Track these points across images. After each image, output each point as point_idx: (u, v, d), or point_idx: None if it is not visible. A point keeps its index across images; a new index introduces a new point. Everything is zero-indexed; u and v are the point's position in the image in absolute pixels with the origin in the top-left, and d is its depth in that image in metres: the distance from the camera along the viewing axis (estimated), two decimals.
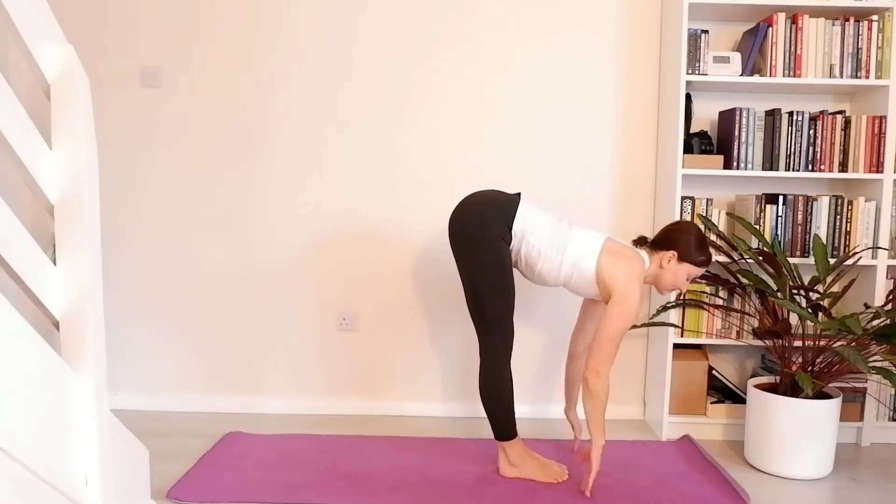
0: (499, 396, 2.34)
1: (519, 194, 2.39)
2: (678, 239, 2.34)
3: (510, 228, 2.31)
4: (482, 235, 2.29)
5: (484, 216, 2.31)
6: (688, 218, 2.87)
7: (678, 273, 2.36)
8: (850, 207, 2.84)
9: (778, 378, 2.73)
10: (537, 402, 3.18)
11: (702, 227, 2.86)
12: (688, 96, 2.93)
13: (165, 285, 3.16)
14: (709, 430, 2.95)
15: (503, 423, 2.37)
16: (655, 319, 2.95)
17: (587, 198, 3.12)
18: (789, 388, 2.61)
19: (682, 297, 2.88)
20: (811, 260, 2.84)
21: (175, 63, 3.08)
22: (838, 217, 2.84)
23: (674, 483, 2.44)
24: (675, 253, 2.34)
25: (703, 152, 2.91)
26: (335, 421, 3.08)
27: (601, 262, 2.30)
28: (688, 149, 2.89)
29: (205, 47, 3.07)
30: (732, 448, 2.84)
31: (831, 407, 2.51)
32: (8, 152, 1.47)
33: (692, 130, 2.98)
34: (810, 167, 2.84)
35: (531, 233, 2.31)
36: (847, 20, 2.78)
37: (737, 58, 2.81)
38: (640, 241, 2.44)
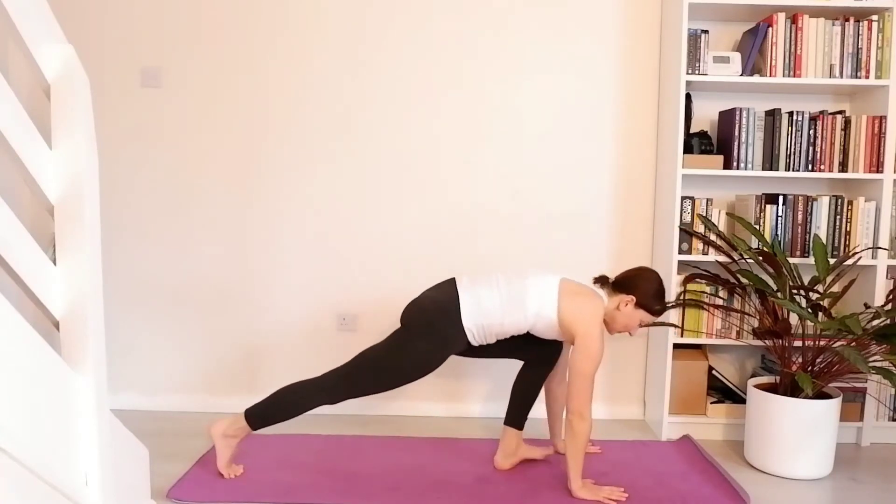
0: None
1: (455, 288, 2.35)
2: (639, 286, 2.36)
3: (464, 335, 2.32)
4: (434, 335, 2.30)
5: (436, 328, 2.30)
6: (688, 218, 2.87)
7: (632, 317, 2.38)
8: (850, 207, 2.84)
9: (778, 378, 2.73)
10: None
11: (702, 227, 2.87)
12: (688, 96, 2.93)
13: (165, 285, 3.16)
14: (709, 430, 2.95)
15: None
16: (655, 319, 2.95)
17: (587, 198, 3.12)
18: (789, 388, 2.61)
19: (682, 298, 2.88)
20: (811, 260, 2.84)
21: (175, 63, 3.08)
22: (838, 217, 2.84)
23: (674, 483, 2.44)
24: (634, 298, 2.35)
25: (703, 152, 2.91)
26: (335, 421, 3.08)
27: (561, 305, 2.31)
28: (688, 149, 2.89)
29: (205, 47, 3.07)
30: (732, 448, 2.84)
31: (831, 407, 2.51)
32: (8, 152, 1.47)
33: (692, 130, 2.98)
34: (810, 167, 2.84)
35: (484, 318, 2.30)
36: (847, 20, 2.78)
37: (737, 58, 2.82)
38: (602, 281, 2.44)
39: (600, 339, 2.28)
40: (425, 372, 2.33)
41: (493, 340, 2.38)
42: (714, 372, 3.04)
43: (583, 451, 2.28)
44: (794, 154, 2.84)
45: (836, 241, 2.85)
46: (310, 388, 2.33)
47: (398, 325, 3.15)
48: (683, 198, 2.87)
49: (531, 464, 2.58)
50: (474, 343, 2.36)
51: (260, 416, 2.34)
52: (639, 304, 2.35)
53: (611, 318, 2.39)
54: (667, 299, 2.39)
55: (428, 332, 2.30)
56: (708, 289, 2.90)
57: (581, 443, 2.26)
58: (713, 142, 2.97)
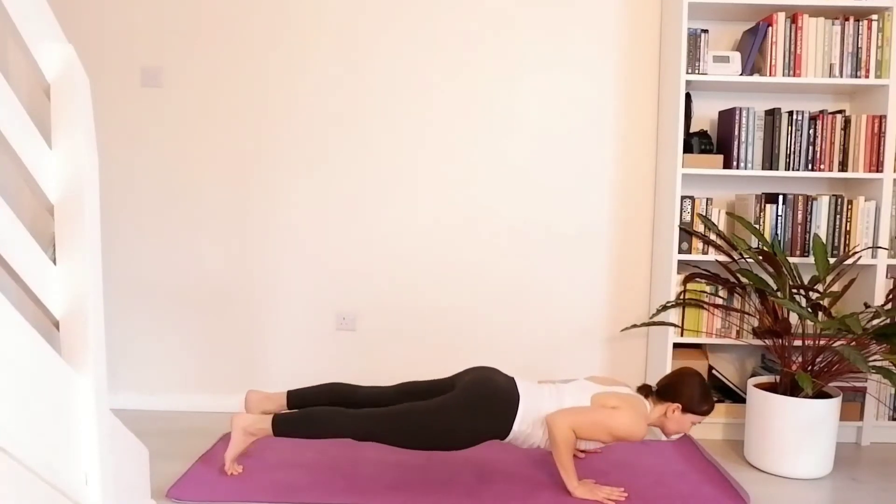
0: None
1: (517, 388, 2.35)
2: (683, 392, 2.36)
3: (507, 433, 2.33)
4: (483, 415, 2.30)
5: (493, 412, 2.31)
6: (687, 218, 2.87)
7: (682, 422, 2.38)
8: (849, 207, 2.84)
9: (778, 377, 2.73)
10: None
11: (702, 226, 2.87)
12: (688, 96, 2.93)
13: (165, 285, 3.16)
14: (708, 429, 2.95)
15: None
16: (655, 319, 2.95)
17: (587, 198, 3.12)
18: (789, 387, 2.61)
19: (682, 297, 2.88)
20: (811, 259, 2.84)
21: (175, 63, 3.08)
22: (838, 216, 2.84)
23: (673, 482, 2.44)
24: (680, 405, 2.36)
25: (702, 152, 2.91)
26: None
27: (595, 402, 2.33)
28: (688, 148, 2.89)
29: (205, 47, 3.07)
30: (732, 447, 2.84)
31: (831, 406, 2.51)
32: (8, 152, 1.47)
33: (692, 130, 2.98)
34: (810, 167, 2.84)
35: (532, 428, 2.32)
36: (847, 20, 2.78)
37: (736, 57, 2.81)
38: (646, 391, 2.45)
39: (643, 435, 2.28)
40: (457, 445, 2.33)
41: (529, 446, 2.38)
42: (714, 371, 3.04)
43: (566, 454, 2.27)
44: (794, 154, 2.84)
45: (836, 240, 2.85)
46: (343, 417, 2.33)
47: (399, 322, 3.16)
48: (683, 197, 2.87)
49: (531, 464, 2.59)
50: (506, 440, 2.37)
51: (286, 424, 2.35)
52: (686, 410, 2.36)
53: (661, 423, 2.41)
54: (711, 399, 2.40)
55: (482, 413, 2.29)
56: (708, 288, 2.90)
57: (562, 449, 2.26)
58: (713, 141, 2.97)
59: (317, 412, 2.35)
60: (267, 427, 2.35)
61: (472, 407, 2.29)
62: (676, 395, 2.36)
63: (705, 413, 2.38)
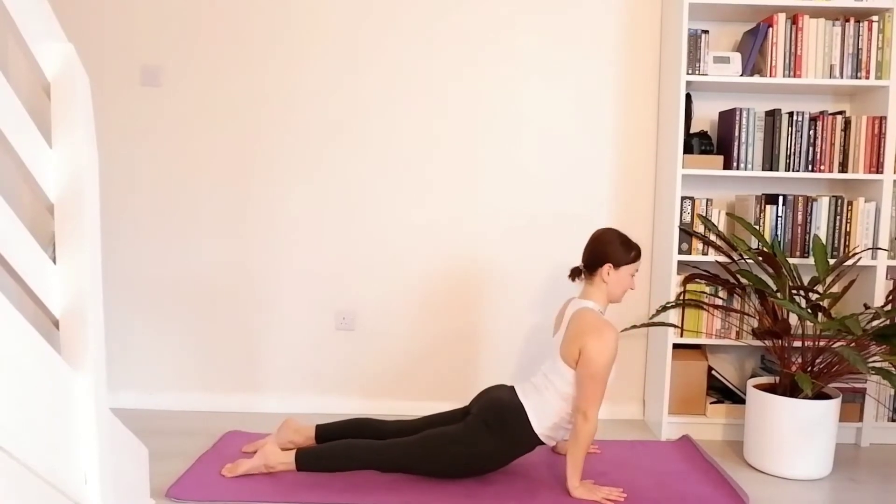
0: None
1: (517, 397, 2.39)
2: (604, 251, 2.39)
3: (539, 441, 2.39)
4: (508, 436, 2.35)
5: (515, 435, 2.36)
6: (688, 218, 2.87)
7: (621, 279, 2.41)
8: (849, 208, 2.84)
9: (777, 378, 2.73)
10: None
11: (702, 227, 2.87)
12: (688, 96, 2.93)
13: (165, 284, 3.16)
14: (708, 430, 2.95)
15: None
16: (655, 319, 2.95)
17: (587, 198, 3.12)
18: (789, 388, 2.61)
19: (681, 298, 2.88)
20: (811, 260, 2.84)
21: (175, 62, 3.08)
22: (838, 217, 2.84)
23: (673, 483, 2.44)
24: (610, 264, 2.38)
25: (703, 152, 2.91)
26: (334, 420, 3.07)
27: (564, 352, 2.35)
28: (688, 149, 2.89)
29: (205, 47, 3.07)
30: (732, 448, 2.84)
31: (830, 407, 2.51)
32: (8, 151, 1.47)
33: (692, 130, 2.98)
34: (810, 167, 2.84)
35: (550, 419, 2.36)
36: (847, 20, 2.78)
37: (737, 58, 2.81)
38: (576, 273, 2.48)
39: (601, 341, 2.26)
40: (486, 467, 2.39)
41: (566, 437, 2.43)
42: (713, 372, 3.04)
43: (583, 451, 2.28)
44: (794, 154, 2.84)
45: (836, 241, 2.85)
46: (365, 450, 2.36)
47: (398, 321, 3.16)
48: (683, 198, 2.87)
49: (531, 464, 2.58)
50: (551, 444, 2.42)
51: (309, 459, 2.38)
52: (617, 265, 2.39)
53: (608, 295, 2.43)
54: (633, 242, 2.45)
55: (498, 431, 2.34)
56: (707, 289, 2.90)
57: (581, 443, 2.27)
58: (713, 142, 2.97)
59: (339, 446, 2.38)
60: (290, 462, 2.39)
61: (488, 427, 2.34)
62: (602, 257, 2.39)
63: (634, 259, 2.41)
